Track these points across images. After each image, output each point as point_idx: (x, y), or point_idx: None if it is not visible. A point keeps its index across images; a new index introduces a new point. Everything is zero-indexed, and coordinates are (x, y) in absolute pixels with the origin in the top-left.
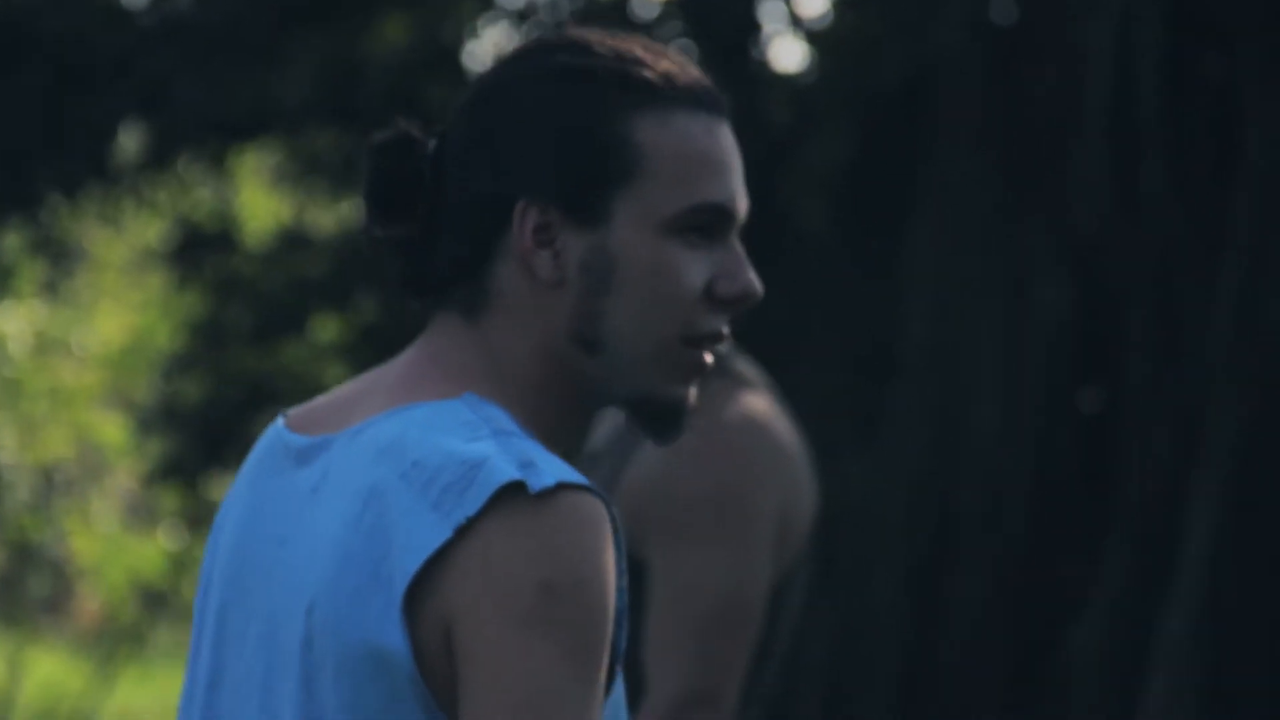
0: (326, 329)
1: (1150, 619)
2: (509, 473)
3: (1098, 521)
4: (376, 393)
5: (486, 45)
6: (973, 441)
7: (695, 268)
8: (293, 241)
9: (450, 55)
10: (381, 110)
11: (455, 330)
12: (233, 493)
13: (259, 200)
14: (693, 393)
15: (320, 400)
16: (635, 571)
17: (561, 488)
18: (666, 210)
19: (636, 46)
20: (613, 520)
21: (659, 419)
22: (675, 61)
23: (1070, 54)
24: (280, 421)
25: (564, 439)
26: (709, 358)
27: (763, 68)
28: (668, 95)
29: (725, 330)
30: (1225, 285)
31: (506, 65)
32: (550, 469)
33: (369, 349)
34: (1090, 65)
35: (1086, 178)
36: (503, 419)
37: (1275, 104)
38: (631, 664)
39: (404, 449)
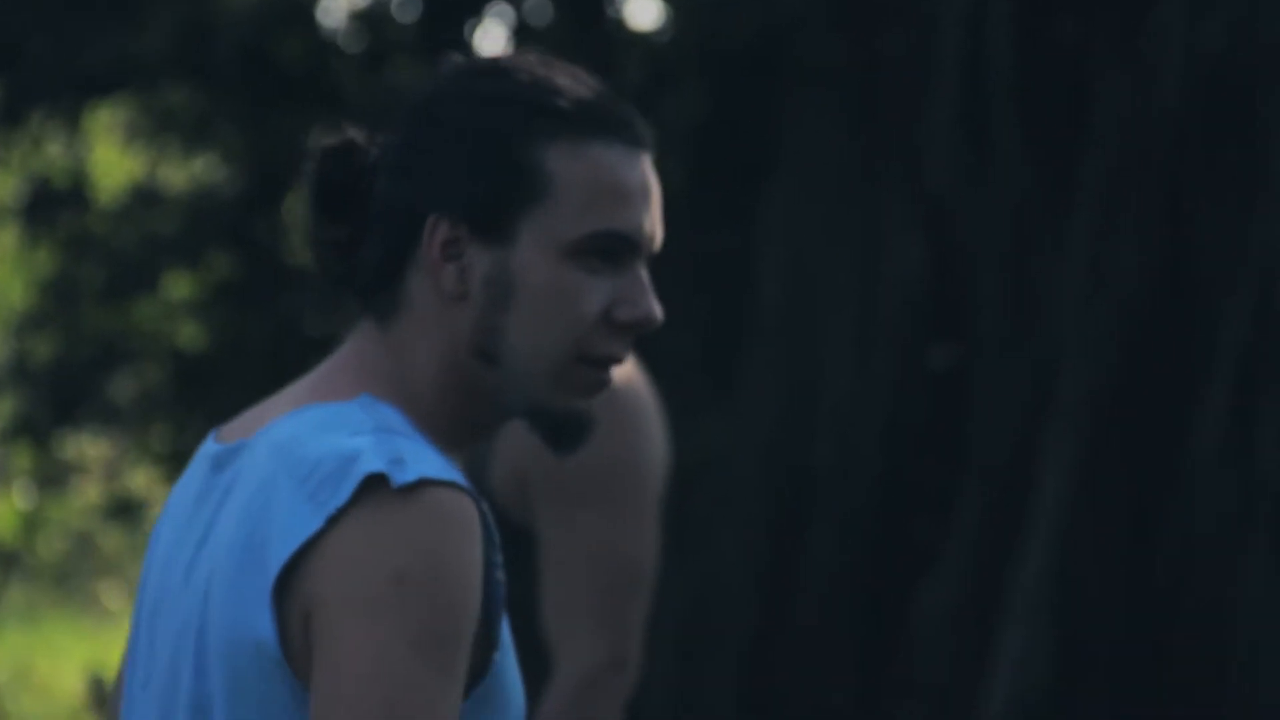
0: (179, 286)
1: (1002, 575)
2: (376, 466)
3: (950, 479)
4: (289, 396)
5: (340, 1)
6: (827, 399)
7: (594, 293)
8: (145, 199)
9: (305, 12)
10: (235, 67)
11: (368, 336)
12: (166, 504)
13: (112, 157)
14: (592, 407)
15: (250, 410)
16: (522, 541)
17: (425, 483)
18: (569, 235)
19: (561, 75)
20: (483, 518)
21: (556, 431)
22: (597, 93)
23: (923, 13)
24: (211, 435)
25: (463, 446)
26: (606, 377)
27: (618, 26)
28: (582, 125)
29: (623, 354)
30: (1076, 245)
31: (437, 85)
32: (419, 465)
33: (221, 306)
34: (943, 25)
35: (939, 137)
36: (392, 418)
37: (1125, 65)
38: (527, 635)
39: (293, 445)
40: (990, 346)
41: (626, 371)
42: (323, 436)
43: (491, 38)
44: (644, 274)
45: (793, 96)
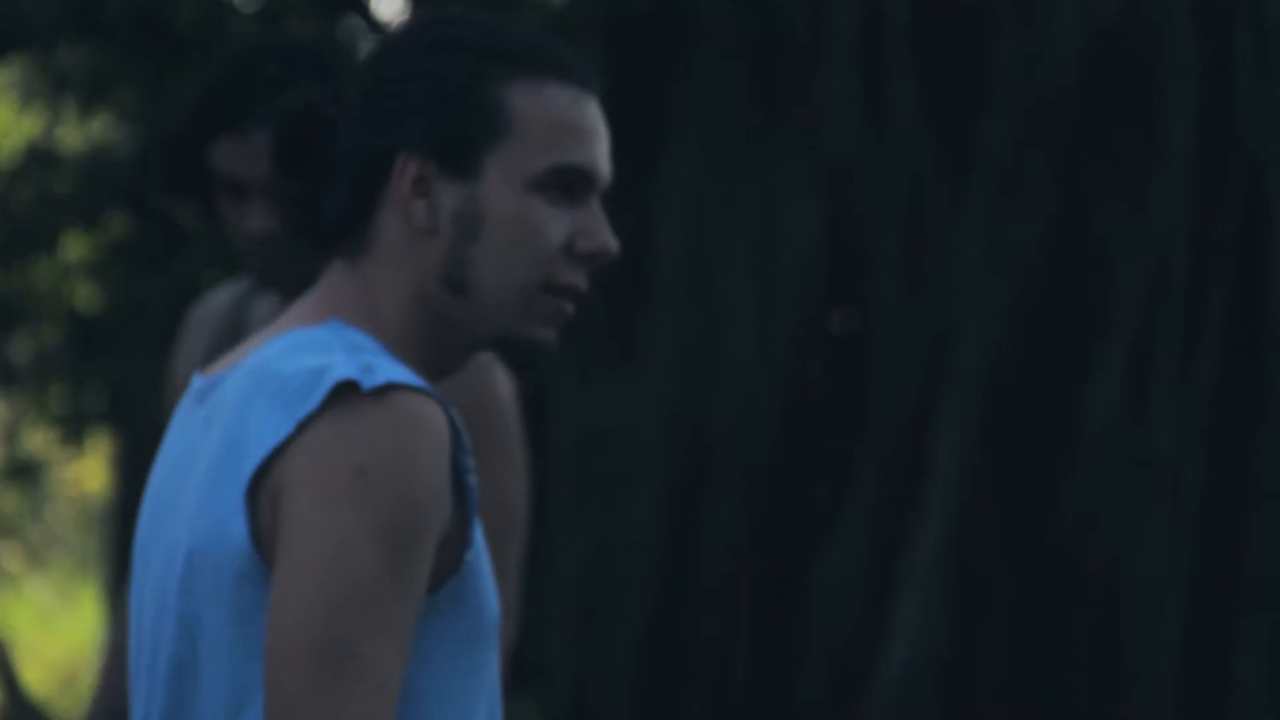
0: (76, 247)
1: (901, 542)
2: (347, 373)
3: (849, 443)
4: (268, 332)
5: None
6: (726, 363)
7: (556, 223)
8: (42, 159)
9: None
10: (130, 28)
11: (339, 273)
12: (159, 451)
13: (7, 118)
14: (554, 336)
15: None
16: None
17: (393, 387)
18: (532, 168)
19: (510, 22)
20: (451, 423)
21: (521, 360)
22: (546, 38)
23: None
24: (196, 374)
25: (432, 380)
26: (569, 307)
27: None
28: (538, 66)
29: (583, 284)
30: (973, 211)
31: (396, 36)
32: (388, 373)
33: (119, 267)
34: None
35: (837, 102)
36: (361, 340)
37: (1024, 29)
38: None
39: (266, 366)
40: (888, 312)
41: None
42: (295, 356)
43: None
44: (599, 208)
45: (691, 61)
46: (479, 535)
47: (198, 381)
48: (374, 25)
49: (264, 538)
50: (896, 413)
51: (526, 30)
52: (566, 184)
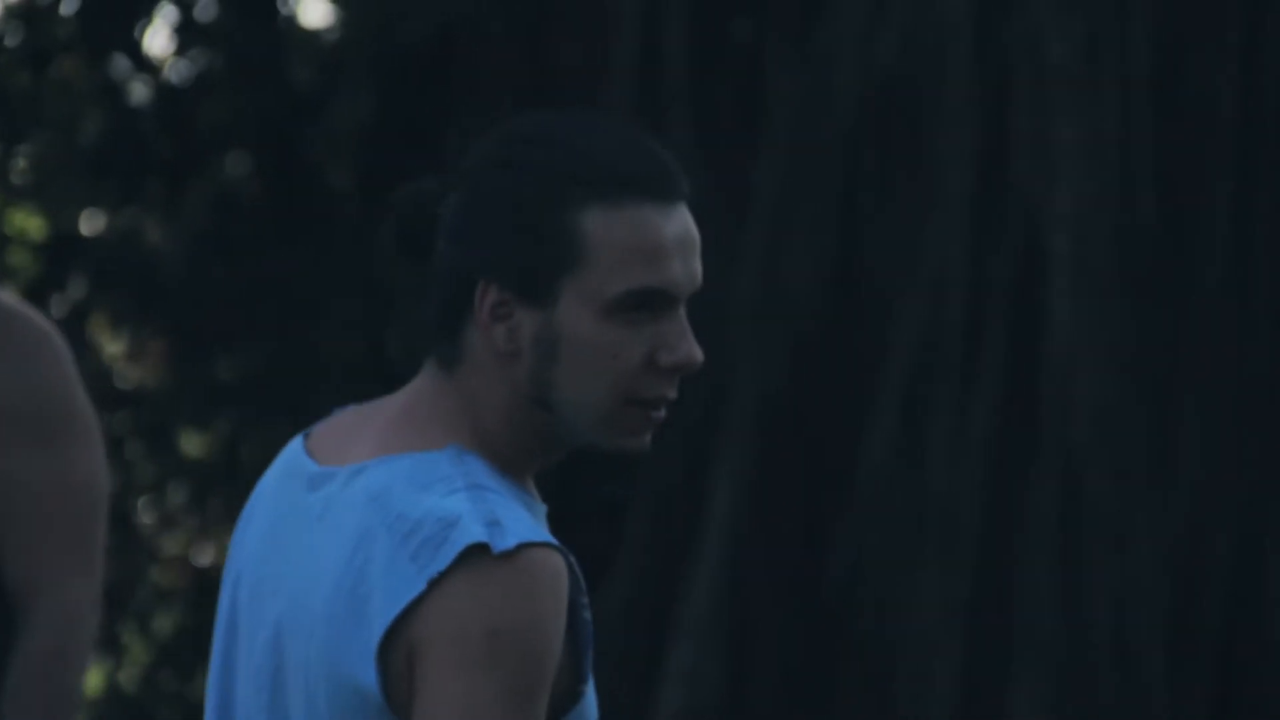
0: None
1: (675, 586)
2: (477, 534)
3: (622, 487)
4: (373, 429)
5: None
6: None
7: (634, 344)
8: None
9: None
10: None
11: (437, 379)
12: (257, 497)
13: None
14: (646, 440)
15: (332, 422)
16: None
17: (522, 547)
18: (606, 294)
19: (603, 137)
20: (570, 568)
21: (617, 458)
22: (635, 150)
23: (597, 13)
24: (300, 440)
25: (533, 472)
26: (658, 414)
27: (290, 23)
28: (615, 188)
29: (672, 393)
30: (749, 251)
31: (487, 149)
32: (515, 529)
33: None
34: (617, 25)
35: None
36: (479, 471)
37: (802, 70)
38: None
39: (390, 500)
40: None
41: (12, 303)
42: (417, 495)
43: (159, 36)
44: (682, 318)
45: (464, 97)
46: (589, 666)
47: (306, 462)
48: (143, 65)
49: (394, 690)
50: (670, 455)
51: (613, 143)
52: (642, 305)
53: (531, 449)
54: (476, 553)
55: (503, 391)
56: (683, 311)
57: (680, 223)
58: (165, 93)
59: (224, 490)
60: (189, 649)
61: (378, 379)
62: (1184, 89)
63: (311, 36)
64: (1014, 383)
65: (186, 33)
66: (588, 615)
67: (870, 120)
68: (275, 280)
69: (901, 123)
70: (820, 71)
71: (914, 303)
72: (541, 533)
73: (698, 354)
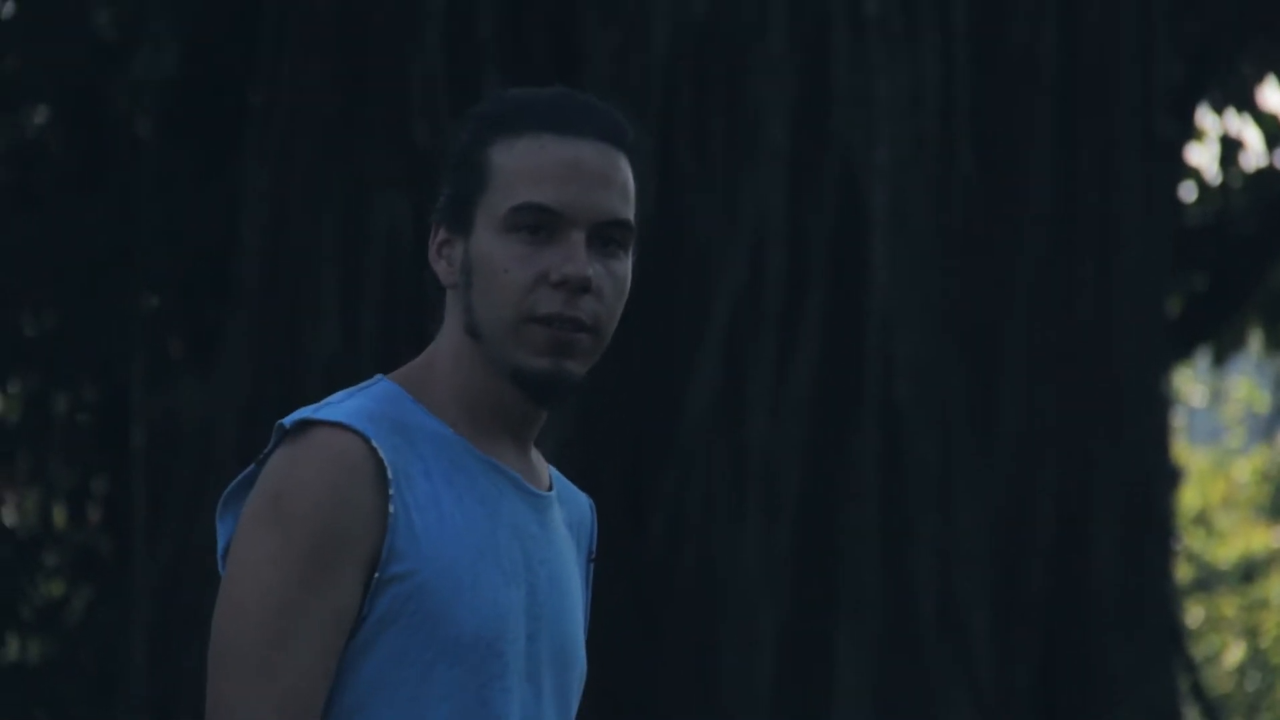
0: None
1: None
2: (290, 419)
3: None
4: None
5: None
6: (311, 361)
7: (528, 260)
8: None
9: None
10: None
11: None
12: None
13: None
14: (562, 365)
15: None
16: None
17: (307, 423)
18: (499, 212)
19: (537, 92)
20: (375, 454)
21: (535, 390)
22: (559, 98)
23: None
24: None
25: (489, 416)
26: (561, 334)
27: None
28: (518, 124)
29: (568, 310)
30: None
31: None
32: (321, 412)
33: None
34: None
35: (425, 93)
36: (376, 390)
37: (613, 20)
38: None
39: None
40: None
41: None
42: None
43: None
44: (577, 242)
45: (271, 48)
46: (427, 557)
47: None
48: None
49: None
50: None
51: (541, 95)
52: (532, 223)
53: (476, 386)
54: (283, 433)
55: (453, 328)
56: (579, 237)
57: (577, 151)
58: None
59: (31, 450)
60: None
61: (185, 331)
62: (1003, 42)
63: None
64: (835, 337)
65: None
66: (410, 501)
67: (687, 73)
68: (78, 233)
69: (719, 75)
70: (634, 24)
71: (734, 258)
72: (351, 418)
73: (582, 270)
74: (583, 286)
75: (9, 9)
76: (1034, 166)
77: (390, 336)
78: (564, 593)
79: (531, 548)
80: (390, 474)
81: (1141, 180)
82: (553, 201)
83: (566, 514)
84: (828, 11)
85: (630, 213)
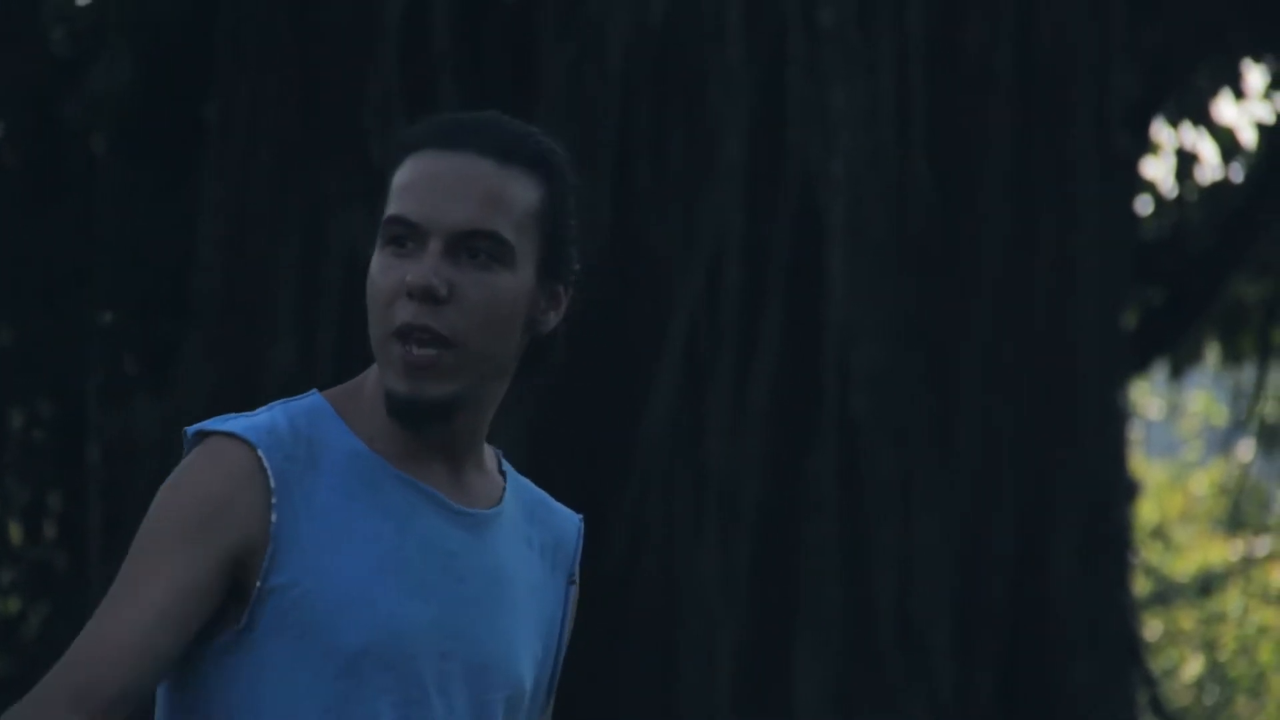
0: None
1: None
2: (193, 426)
3: None
4: None
5: None
6: (271, 380)
7: (392, 271)
8: None
9: None
10: None
11: None
12: None
13: None
14: (420, 387)
15: None
16: None
17: (207, 434)
18: (379, 228)
19: (451, 114)
20: (263, 467)
21: (398, 416)
22: (459, 117)
23: None
24: None
25: (404, 434)
26: (412, 351)
27: None
28: (415, 144)
29: (416, 320)
30: None
31: None
32: (222, 424)
33: None
34: None
35: (381, 109)
36: (303, 403)
37: (569, 31)
38: None
39: None
40: None
41: None
42: None
43: None
44: (433, 252)
45: (229, 65)
46: (313, 569)
47: None
48: None
49: None
50: None
51: (459, 116)
52: (396, 235)
53: (381, 407)
54: (187, 441)
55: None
56: (436, 247)
57: (440, 164)
58: None
59: None
60: None
61: (141, 347)
62: (959, 54)
63: (68, 5)
64: (793, 351)
65: None
66: (300, 512)
67: (643, 86)
68: (34, 249)
69: (675, 87)
70: (591, 35)
71: (691, 271)
72: (243, 429)
73: (421, 277)
74: (424, 294)
75: None
76: (991, 178)
77: (347, 354)
78: (498, 612)
79: (451, 564)
80: (273, 484)
81: (1098, 193)
82: (410, 213)
83: (537, 534)
84: (784, 23)
85: (501, 225)
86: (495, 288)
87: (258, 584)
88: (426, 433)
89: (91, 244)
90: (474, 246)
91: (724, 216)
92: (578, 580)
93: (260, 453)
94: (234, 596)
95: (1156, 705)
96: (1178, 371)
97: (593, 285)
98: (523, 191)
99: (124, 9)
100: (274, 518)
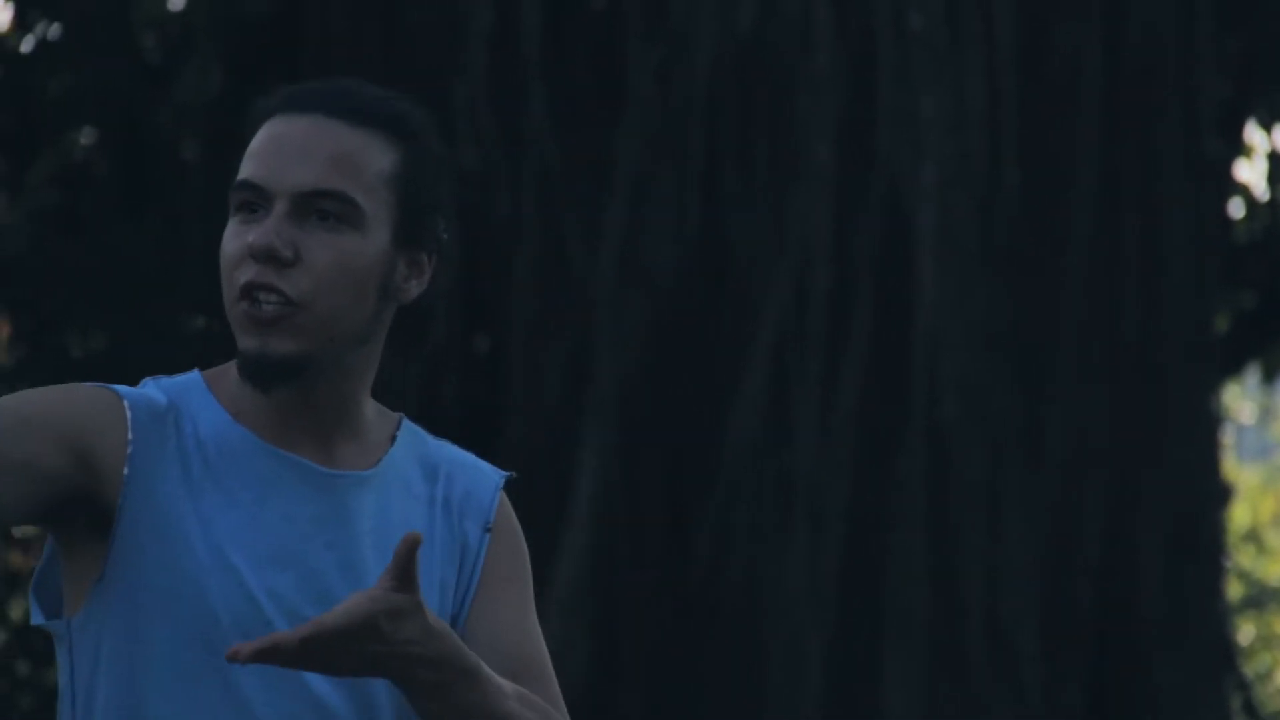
0: None
1: (541, 568)
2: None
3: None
4: None
5: None
6: None
7: (238, 234)
8: None
9: None
10: None
11: None
12: None
13: None
14: (266, 342)
15: None
16: None
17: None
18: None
19: (295, 85)
20: (127, 402)
21: (248, 374)
22: (313, 85)
23: None
24: None
25: (270, 404)
26: (254, 308)
27: None
28: (262, 113)
29: (257, 278)
30: (610, 225)
31: None
32: (109, 385)
33: None
34: None
35: (469, 112)
36: (178, 379)
37: (659, 37)
38: None
39: None
40: (522, 331)
41: None
42: None
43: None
44: (279, 210)
45: (313, 70)
46: (161, 535)
47: None
48: None
49: None
50: (535, 436)
51: (301, 84)
52: (243, 200)
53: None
54: None
55: None
56: (281, 208)
57: (288, 126)
58: (8, 65)
59: None
60: (43, 635)
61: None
62: (1048, 59)
63: (158, 7)
64: (881, 357)
65: (29, 4)
66: (153, 474)
67: (730, 91)
68: (124, 255)
69: (764, 93)
70: (679, 41)
71: (779, 277)
72: (128, 393)
73: (264, 239)
74: (266, 254)
75: (55, 32)
76: (1080, 184)
77: (437, 363)
78: (372, 572)
79: (314, 531)
80: (130, 435)
81: (1189, 197)
82: (255, 176)
83: (441, 490)
84: (872, 28)
85: (349, 185)
86: (343, 249)
87: (113, 529)
88: (281, 396)
89: (181, 249)
90: (322, 208)
91: (812, 222)
92: (493, 527)
93: (126, 403)
94: (90, 529)
95: (1250, 709)
96: (1270, 375)
97: (679, 292)
98: (375, 154)
99: (213, 12)
100: (126, 470)
